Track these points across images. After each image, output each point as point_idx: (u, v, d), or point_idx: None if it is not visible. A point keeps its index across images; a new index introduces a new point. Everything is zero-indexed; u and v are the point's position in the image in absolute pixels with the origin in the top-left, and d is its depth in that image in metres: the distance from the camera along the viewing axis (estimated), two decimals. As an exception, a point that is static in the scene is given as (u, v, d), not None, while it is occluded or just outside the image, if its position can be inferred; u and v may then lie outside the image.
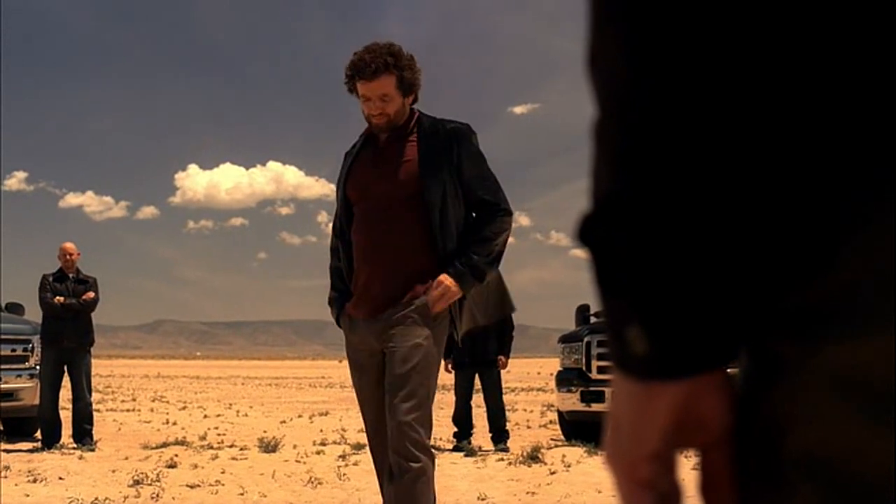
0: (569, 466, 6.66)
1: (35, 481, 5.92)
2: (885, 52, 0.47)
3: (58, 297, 7.87)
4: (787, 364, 0.50)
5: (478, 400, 8.57)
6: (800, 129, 0.49)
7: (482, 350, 8.13)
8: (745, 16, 0.49)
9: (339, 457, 7.22)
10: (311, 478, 6.05)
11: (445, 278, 2.75)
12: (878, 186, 0.46)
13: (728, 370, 0.55)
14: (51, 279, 8.00)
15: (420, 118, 2.89)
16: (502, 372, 8.38)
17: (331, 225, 3.20)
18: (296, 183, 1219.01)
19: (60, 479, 6.08)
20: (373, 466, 3.05)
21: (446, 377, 9.48)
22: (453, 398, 8.66)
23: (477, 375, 8.32)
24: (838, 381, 0.47)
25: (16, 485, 5.79)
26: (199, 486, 5.82)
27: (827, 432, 0.48)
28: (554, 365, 9.81)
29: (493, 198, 2.86)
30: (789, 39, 0.49)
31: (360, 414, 3.02)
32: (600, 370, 8.21)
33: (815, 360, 0.48)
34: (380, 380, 2.87)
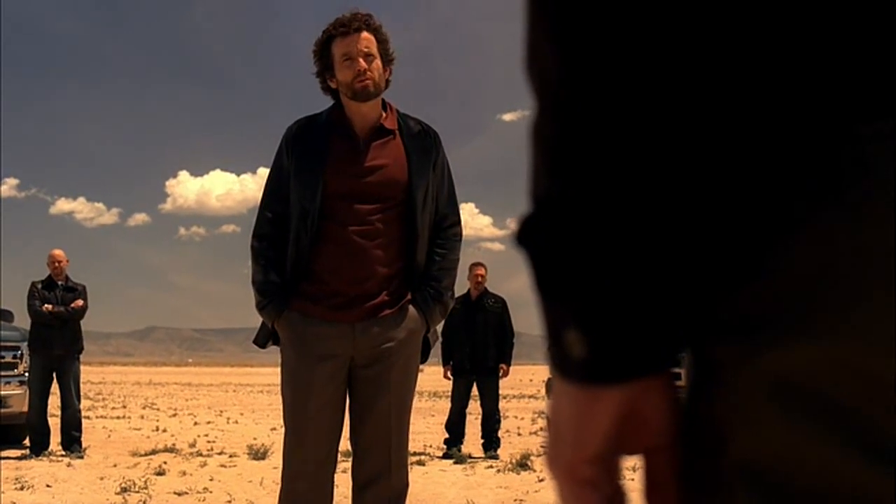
0: (558, 473, 6.64)
1: (22, 489, 5.88)
2: (813, 57, 0.47)
3: (46, 305, 7.85)
4: (723, 370, 0.50)
5: (471, 407, 8.55)
6: (732, 137, 0.49)
7: (482, 357, 8.11)
8: (675, 18, 0.49)
9: (329, 464, 7.19)
10: (299, 485, 6.03)
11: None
12: (808, 195, 0.47)
13: (673, 373, 0.55)
14: (39, 286, 7.97)
15: (398, 114, 2.74)
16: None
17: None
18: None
19: (48, 486, 6.05)
20: None
21: (443, 384, 9.42)
22: (448, 405, 8.64)
23: (475, 382, 8.30)
24: (771, 388, 0.47)
25: (2, 492, 5.75)
26: (186, 493, 5.80)
27: (762, 439, 0.48)
28: (545, 372, 9.77)
29: (455, 214, 2.80)
30: (721, 42, 0.49)
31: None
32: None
33: (750, 367, 0.48)
34: (342, 395, 2.70)
